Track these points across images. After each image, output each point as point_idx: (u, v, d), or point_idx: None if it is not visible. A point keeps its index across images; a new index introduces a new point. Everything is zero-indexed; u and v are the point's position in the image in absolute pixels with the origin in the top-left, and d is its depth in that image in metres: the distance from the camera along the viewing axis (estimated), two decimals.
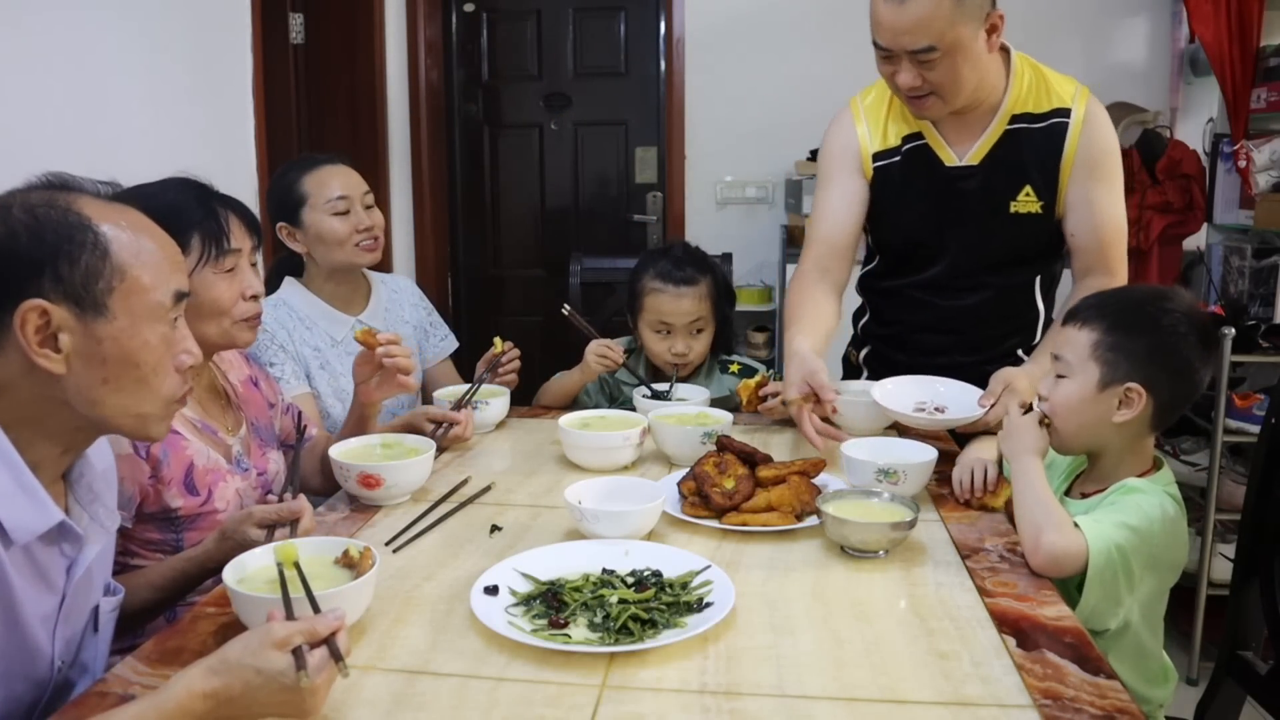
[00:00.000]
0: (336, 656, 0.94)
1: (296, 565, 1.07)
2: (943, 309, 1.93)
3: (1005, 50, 1.82)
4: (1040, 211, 1.82)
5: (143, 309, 1.02)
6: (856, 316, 2.17)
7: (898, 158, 1.88)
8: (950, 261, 1.89)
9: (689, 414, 1.84)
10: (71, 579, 1.07)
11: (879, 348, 2.10)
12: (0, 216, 0.98)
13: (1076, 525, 1.29)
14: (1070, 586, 1.30)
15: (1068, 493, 1.53)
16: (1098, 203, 1.80)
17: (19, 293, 0.96)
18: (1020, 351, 1.96)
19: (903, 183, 1.88)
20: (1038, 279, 1.93)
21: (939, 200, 1.86)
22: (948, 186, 1.85)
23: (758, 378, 2.03)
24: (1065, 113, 1.80)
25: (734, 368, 2.20)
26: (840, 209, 1.92)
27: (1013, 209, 1.82)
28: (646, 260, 2.15)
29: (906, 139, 1.88)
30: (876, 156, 1.89)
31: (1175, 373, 1.39)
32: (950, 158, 1.85)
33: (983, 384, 1.72)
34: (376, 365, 1.71)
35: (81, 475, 1.11)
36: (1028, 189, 1.81)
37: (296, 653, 0.91)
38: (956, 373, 1.82)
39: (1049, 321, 1.96)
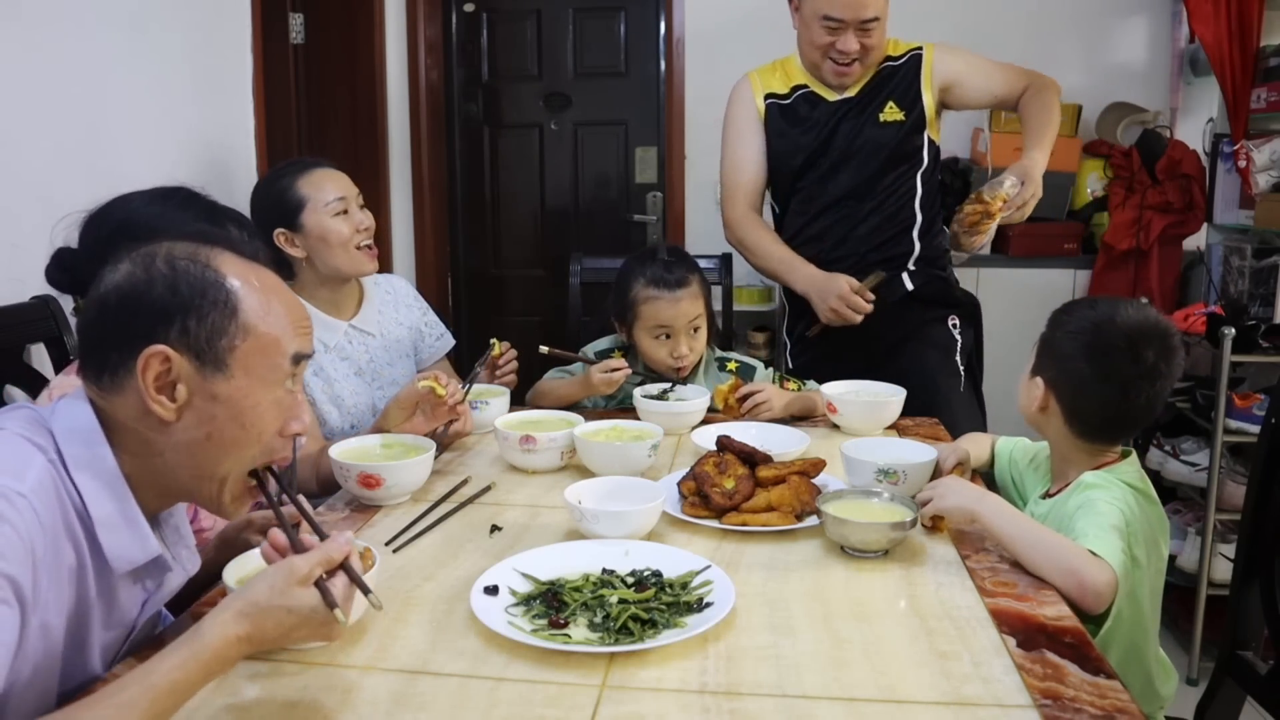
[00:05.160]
0: (363, 589, 0.99)
1: (272, 473, 1.10)
2: (837, 229, 2.34)
3: None
4: (903, 119, 2.33)
5: (261, 370, 1.04)
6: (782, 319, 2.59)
7: (788, 100, 2.39)
8: (849, 169, 2.33)
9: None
10: (144, 614, 1.09)
11: (802, 328, 2.43)
12: (144, 263, 1.01)
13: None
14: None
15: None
16: (986, 71, 2.37)
17: (147, 337, 0.99)
18: (910, 263, 2.35)
19: (795, 118, 2.38)
20: (917, 194, 2.36)
21: (825, 125, 2.35)
22: (831, 114, 2.35)
23: (730, 382, 2.03)
24: (918, 49, 2.37)
25: (731, 365, 2.19)
26: (754, 156, 2.42)
27: (881, 119, 2.33)
28: (634, 268, 2.11)
29: (795, 88, 2.39)
30: (768, 96, 2.40)
31: (1069, 376, 1.42)
32: (832, 95, 2.37)
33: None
34: (414, 411, 1.77)
35: (171, 515, 1.13)
36: (891, 103, 2.34)
37: (320, 586, 0.95)
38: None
39: (925, 231, 2.36)
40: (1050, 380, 1.45)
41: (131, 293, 1.00)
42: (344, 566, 0.99)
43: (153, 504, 1.07)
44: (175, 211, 1.44)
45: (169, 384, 1.00)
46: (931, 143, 2.37)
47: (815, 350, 2.39)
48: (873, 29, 2.22)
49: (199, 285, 1.01)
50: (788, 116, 2.37)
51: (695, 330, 2.08)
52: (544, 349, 2.10)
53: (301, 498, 1.24)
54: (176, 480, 1.05)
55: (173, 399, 1.00)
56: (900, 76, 2.34)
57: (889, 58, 2.36)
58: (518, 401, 2.08)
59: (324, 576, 0.97)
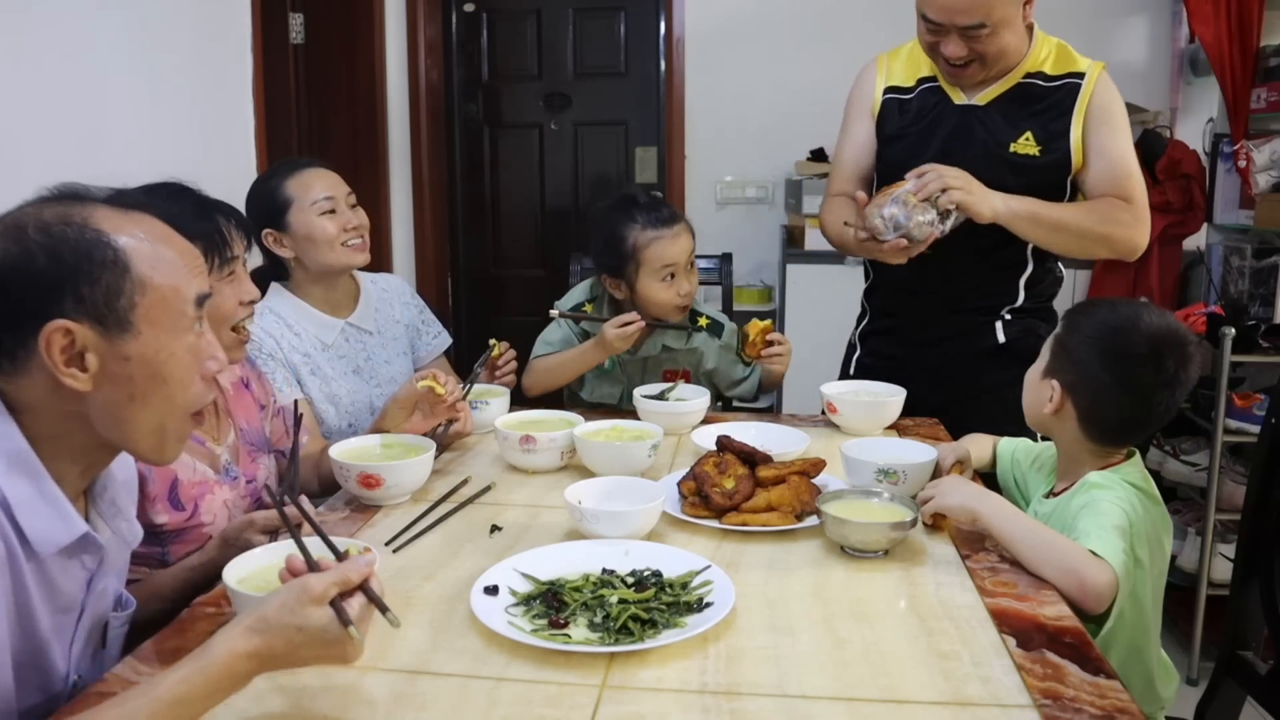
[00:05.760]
0: (381, 608, 0.96)
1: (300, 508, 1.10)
2: (938, 258, 1.93)
3: (1029, 26, 1.99)
4: (1038, 155, 1.95)
5: (167, 321, 1.00)
6: (857, 321, 2.28)
7: (910, 95, 2.06)
8: None
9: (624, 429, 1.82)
10: (91, 593, 1.06)
11: (876, 344, 2.20)
12: (15, 237, 0.95)
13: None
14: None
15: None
16: (1110, 149, 1.95)
17: (41, 314, 0.94)
18: (1004, 312, 2.06)
19: (914, 115, 2.05)
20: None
21: (947, 132, 2.00)
22: (955, 120, 2.00)
23: (766, 323, 2.07)
24: (1080, 75, 1.96)
25: (703, 320, 2.19)
26: (852, 149, 2.13)
27: (1013, 149, 1.96)
28: (621, 218, 2.08)
29: (921, 80, 2.06)
30: (888, 90, 2.08)
31: (1088, 381, 1.40)
32: (960, 97, 2.01)
33: (962, 358, 2.04)
34: (413, 410, 1.77)
35: (105, 489, 1.10)
36: (1029, 134, 1.96)
37: (335, 605, 0.92)
38: (945, 345, 2.05)
39: (1036, 281, 2.05)
40: (1068, 385, 1.43)
41: (10, 271, 0.94)
42: (363, 588, 0.96)
43: (78, 477, 1.04)
44: (164, 204, 1.43)
45: (77, 355, 0.95)
46: (1074, 185, 1.99)
47: (881, 375, 2.09)
48: (981, 35, 1.86)
49: (82, 248, 0.95)
50: (906, 114, 2.06)
51: (692, 265, 2.11)
52: (555, 310, 2.12)
53: (304, 500, 1.24)
54: (108, 442, 1.02)
55: (84, 370, 0.96)
56: (1048, 104, 1.96)
57: (1041, 74, 1.98)
58: (518, 401, 2.08)
59: (339, 597, 0.94)
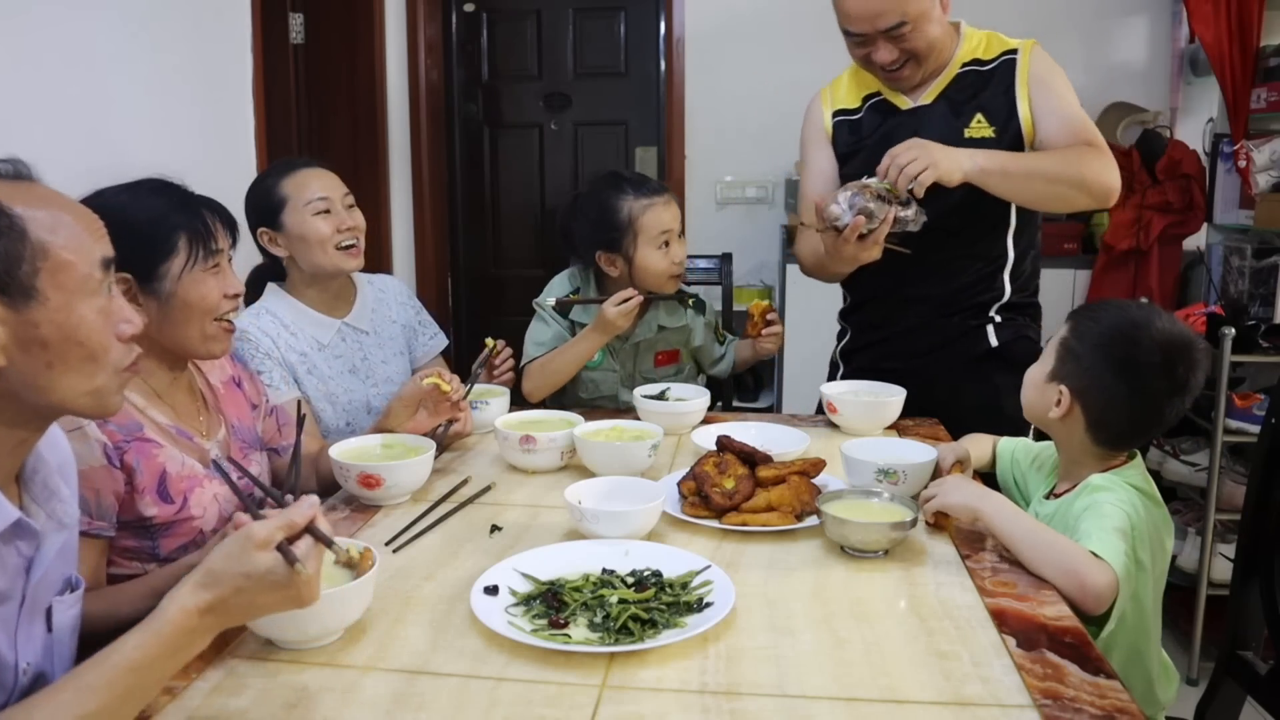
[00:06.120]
0: (326, 542, 0.96)
1: (231, 460, 1.10)
2: (917, 262, 1.93)
3: (955, 26, 2.05)
4: (993, 136, 1.97)
5: (73, 285, 0.97)
6: (838, 339, 2.29)
7: (858, 114, 2.10)
8: (927, 194, 1.87)
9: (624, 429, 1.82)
10: (31, 579, 1.03)
11: (862, 360, 2.20)
12: None
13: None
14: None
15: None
16: (1058, 108, 1.97)
17: None
18: (993, 312, 2.05)
19: (866, 131, 2.08)
20: (1010, 226, 2.03)
21: (900, 138, 1.95)
22: (906, 124, 2.02)
23: (768, 302, 2.13)
24: (1013, 51, 2.01)
25: (690, 300, 2.21)
26: (817, 180, 2.16)
27: (967, 135, 1.98)
28: (611, 194, 2.10)
29: (866, 98, 2.10)
30: (836, 114, 2.13)
31: (1099, 389, 1.40)
32: (906, 102, 2.05)
33: (950, 360, 2.04)
34: (417, 408, 1.78)
35: (36, 472, 1.07)
36: (979, 117, 1.99)
37: (281, 548, 0.92)
38: (937, 354, 2.04)
39: (1019, 272, 2.05)
40: (1077, 391, 1.42)
41: None
42: (309, 529, 0.96)
43: (8, 457, 1.01)
44: (145, 198, 1.44)
45: None
46: None
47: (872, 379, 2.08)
48: (905, 33, 1.89)
49: None
50: (858, 131, 2.08)
51: (681, 234, 2.14)
52: (550, 301, 2.14)
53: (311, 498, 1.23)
54: (41, 411, 0.99)
55: None
56: (992, 85, 1.99)
57: (977, 60, 2.01)
58: (517, 402, 2.08)
59: (286, 541, 0.93)
